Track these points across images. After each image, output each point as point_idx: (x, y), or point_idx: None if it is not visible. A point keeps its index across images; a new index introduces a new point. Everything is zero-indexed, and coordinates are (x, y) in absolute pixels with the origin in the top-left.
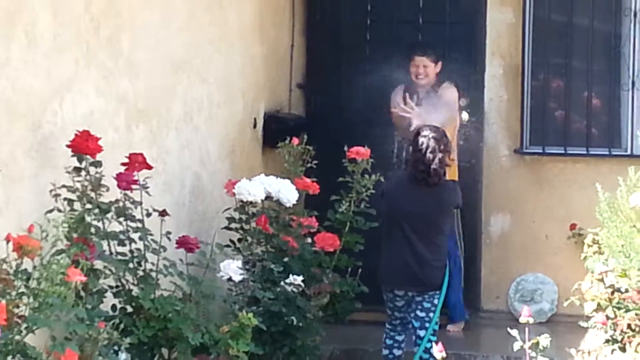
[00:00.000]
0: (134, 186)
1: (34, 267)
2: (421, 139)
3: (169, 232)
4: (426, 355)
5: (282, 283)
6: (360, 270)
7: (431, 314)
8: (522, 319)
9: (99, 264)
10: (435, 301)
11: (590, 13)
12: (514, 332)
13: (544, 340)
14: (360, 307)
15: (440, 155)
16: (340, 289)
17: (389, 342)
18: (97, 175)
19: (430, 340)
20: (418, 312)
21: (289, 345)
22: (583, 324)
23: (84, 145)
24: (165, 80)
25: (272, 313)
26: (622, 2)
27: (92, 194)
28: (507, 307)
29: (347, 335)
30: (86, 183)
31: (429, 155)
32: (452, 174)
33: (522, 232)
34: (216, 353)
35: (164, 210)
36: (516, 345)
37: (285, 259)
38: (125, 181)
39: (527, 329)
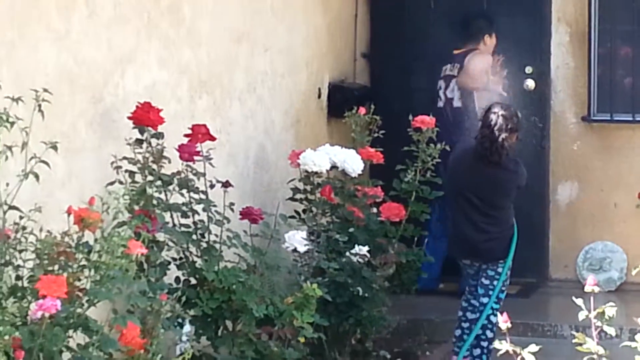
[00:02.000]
0: (197, 158)
1: (95, 240)
2: (491, 116)
3: (232, 204)
4: (487, 322)
5: (347, 254)
6: (426, 240)
7: (495, 282)
8: (587, 288)
9: (161, 237)
10: (499, 270)
11: None
12: (580, 301)
13: (610, 309)
14: (426, 277)
15: (505, 134)
16: (407, 258)
17: (464, 304)
18: (159, 147)
19: (493, 309)
20: (483, 280)
21: (354, 316)
22: None
23: (146, 117)
24: (228, 50)
25: (338, 284)
26: None
27: (154, 166)
28: (575, 276)
29: (413, 305)
30: (147, 155)
31: (495, 132)
32: None
33: (590, 200)
34: (281, 324)
35: (227, 182)
36: (581, 315)
37: (351, 230)
38: (187, 152)
39: (592, 298)
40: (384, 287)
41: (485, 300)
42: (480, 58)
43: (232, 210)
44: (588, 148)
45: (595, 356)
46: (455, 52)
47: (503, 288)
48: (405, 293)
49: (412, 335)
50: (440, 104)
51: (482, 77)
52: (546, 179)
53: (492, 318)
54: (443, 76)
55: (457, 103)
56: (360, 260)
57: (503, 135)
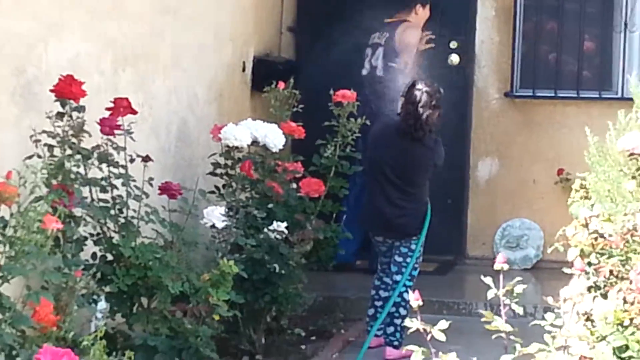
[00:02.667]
0: (117, 131)
1: (11, 215)
2: (415, 92)
3: (151, 178)
4: (400, 299)
5: (265, 230)
6: (345, 216)
7: (408, 259)
8: (496, 266)
9: (79, 212)
10: (413, 246)
11: None
12: (489, 280)
13: (519, 287)
14: (343, 253)
15: (429, 111)
16: (324, 235)
17: (376, 282)
18: (80, 121)
19: (406, 286)
20: (396, 257)
21: (270, 294)
22: (567, 270)
23: (68, 90)
24: (154, 23)
25: (255, 260)
26: None
27: (74, 140)
28: (492, 254)
29: (329, 283)
30: (67, 128)
31: (420, 109)
32: None
33: (510, 177)
34: (196, 302)
35: (147, 156)
36: (490, 293)
37: (270, 205)
38: (108, 126)
39: (501, 276)
40: (300, 264)
41: (398, 277)
42: (410, 31)
43: (151, 185)
44: (510, 124)
45: (503, 334)
46: (387, 20)
47: (416, 265)
48: (323, 270)
49: (328, 313)
50: (364, 72)
51: (410, 50)
52: (466, 156)
53: (405, 295)
54: (371, 44)
55: (380, 72)
56: (278, 236)
57: (427, 112)
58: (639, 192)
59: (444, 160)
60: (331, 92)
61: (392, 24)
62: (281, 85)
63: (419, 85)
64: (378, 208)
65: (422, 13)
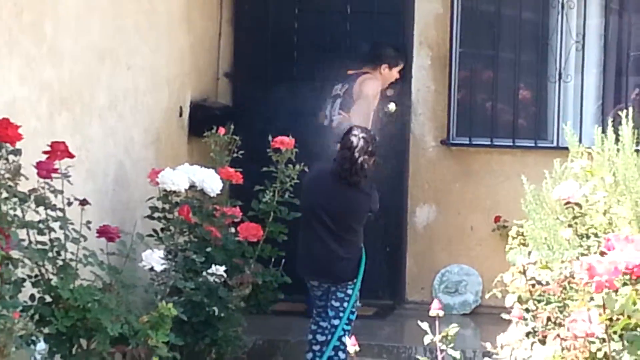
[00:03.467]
0: (54, 175)
1: None
2: (352, 138)
3: (89, 222)
4: (339, 343)
5: (204, 273)
6: (283, 260)
7: (345, 304)
8: (432, 312)
9: (16, 254)
10: (349, 291)
11: (518, 4)
12: (425, 325)
13: (452, 330)
14: (283, 297)
15: (365, 156)
16: (263, 279)
17: (313, 327)
18: (16, 164)
19: (344, 330)
20: (333, 302)
21: (210, 336)
22: (505, 316)
23: (3, 133)
24: (90, 67)
25: (194, 303)
26: None
27: (10, 183)
28: (431, 299)
29: (269, 326)
30: (3, 171)
31: (355, 154)
32: None
33: (448, 224)
34: (135, 344)
35: (85, 199)
36: (427, 339)
37: (208, 249)
38: (45, 169)
39: (437, 322)
40: (240, 307)
41: (336, 322)
42: (369, 83)
43: (89, 228)
44: (447, 171)
45: None
46: (349, 72)
47: (353, 310)
48: (262, 313)
49: (268, 356)
50: (326, 122)
51: (366, 101)
52: (404, 202)
53: (344, 339)
54: (332, 95)
55: (334, 122)
56: (216, 280)
57: (363, 158)
58: (575, 239)
59: (381, 207)
60: (270, 138)
61: (354, 75)
62: (222, 130)
63: (355, 131)
64: (314, 253)
65: (385, 73)
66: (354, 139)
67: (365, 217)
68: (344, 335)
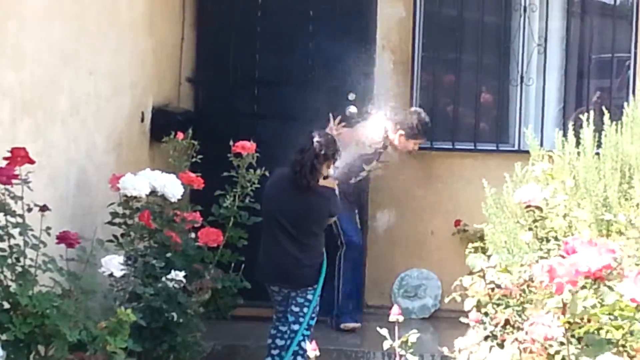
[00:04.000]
0: (15, 181)
1: None
2: (308, 142)
3: (49, 228)
4: (298, 348)
5: (163, 279)
6: (243, 265)
7: (305, 309)
8: (391, 317)
9: None
10: (309, 297)
11: (480, 8)
12: (384, 331)
13: (413, 337)
14: (242, 302)
15: (315, 160)
16: (223, 284)
17: (272, 332)
18: None
19: (303, 335)
20: (292, 307)
21: (168, 342)
22: (464, 320)
23: None
24: (53, 72)
25: (153, 309)
26: None
27: None
28: (391, 303)
29: (228, 331)
30: None
31: (306, 157)
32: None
33: (408, 228)
34: (94, 350)
35: (45, 205)
36: (386, 344)
37: (168, 255)
38: (5, 176)
39: (396, 327)
40: (199, 312)
41: (295, 327)
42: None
43: (49, 234)
44: (408, 175)
45: None
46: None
47: (313, 315)
48: (221, 319)
49: None
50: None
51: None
52: (365, 206)
53: (303, 344)
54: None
55: None
56: (176, 285)
57: (314, 161)
58: (535, 243)
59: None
60: (231, 143)
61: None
62: (180, 135)
63: (313, 135)
64: (274, 259)
65: (403, 141)
66: (308, 142)
67: (324, 221)
68: (304, 340)
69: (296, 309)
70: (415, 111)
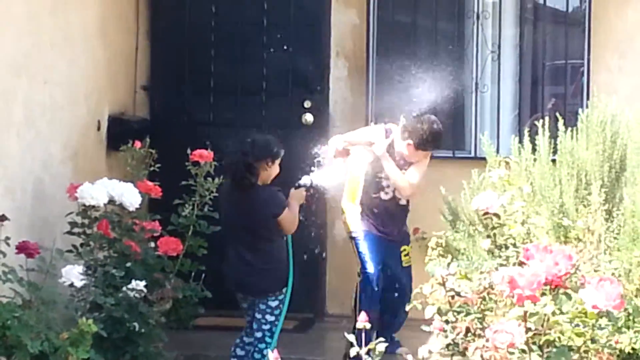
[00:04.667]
0: None
1: None
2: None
3: (8, 238)
4: (260, 356)
5: (124, 288)
6: (203, 274)
7: (267, 317)
8: (359, 325)
9: None
10: (272, 304)
11: (434, 14)
12: (352, 337)
13: (380, 345)
14: (203, 312)
15: (245, 157)
16: (184, 294)
17: (237, 341)
18: None
19: (265, 342)
20: (256, 314)
21: (130, 352)
22: (425, 328)
23: None
24: (5, 83)
25: (114, 319)
26: (465, 4)
27: None
28: (351, 312)
29: (190, 341)
30: None
31: (235, 157)
32: None
33: None
34: None
35: (3, 215)
36: (353, 351)
37: (128, 264)
38: None
39: (363, 334)
40: (160, 322)
41: (258, 335)
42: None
43: (8, 244)
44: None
45: None
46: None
47: (276, 323)
48: (183, 328)
49: None
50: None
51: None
52: (324, 214)
53: (265, 352)
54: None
55: None
56: (137, 295)
57: (246, 158)
58: (494, 250)
59: (300, 219)
60: (188, 151)
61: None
62: (138, 144)
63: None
64: (232, 266)
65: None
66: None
67: (269, 222)
68: (266, 347)
69: (258, 316)
70: (428, 119)
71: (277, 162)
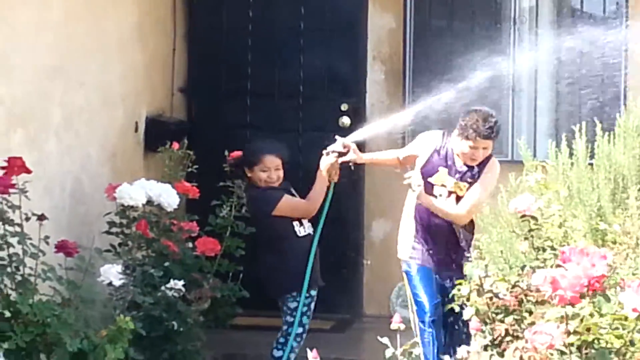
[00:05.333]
0: (12, 190)
1: None
2: None
3: (47, 237)
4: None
5: (162, 288)
6: (241, 275)
7: (288, 318)
8: (393, 326)
9: None
10: (291, 304)
11: (470, 18)
12: (386, 340)
13: (417, 350)
14: (241, 311)
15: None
16: (222, 293)
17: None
18: None
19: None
20: (282, 316)
21: (169, 351)
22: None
23: None
24: (42, 85)
25: (153, 318)
26: (502, 8)
27: None
28: (389, 312)
29: (228, 340)
30: None
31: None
32: None
33: None
34: (94, 358)
35: (43, 215)
36: (388, 352)
37: (166, 264)
38: (2, 185)
39: (398, 336)
40: (198, 321)
41: (277, 335)
42: None
43: (47, 243)
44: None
45: None
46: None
47: (304, 322)
48: (220, 328)
49: None
50: None
51: None
52: (361, 216)
53: (275, 353)
54: None
55: None
56: (175, 294)
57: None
58: (532, 252)
59: (338, 220)
60: (226, 152)
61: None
62: (175, 145)
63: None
64: (254, 266)
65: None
66: None
67: (265, 221)
68: (279, 350)
69: (284, 318)
70: (476, 110)
71: (258, 167)
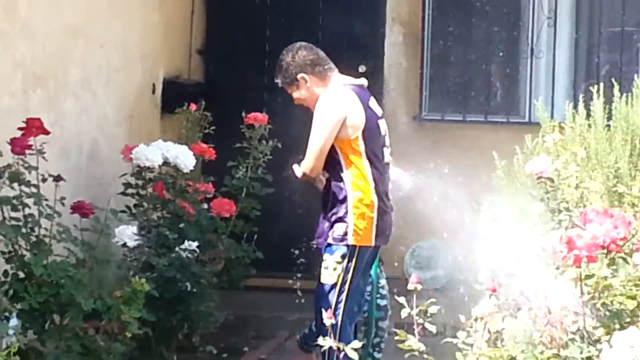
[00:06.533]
0: (29, 151)
1: None
2: None
3: (63, 198)
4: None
5: (177, 249)
6: (255, 236)
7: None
8: (410, 286)
9: None
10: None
11: None
12: (403, 300)
13: (433, 307)
14: (255, 273)
15: None
16: (236, 254)
17: None
18: None
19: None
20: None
21: (182, 312)
22: (478, 287)
23: None
24: (63, 44)
25: (167, 279)
26: None
27: None
28: (403, 274)
29: (241, 301)
30: None
31: None
32: None
33: (420, 199)
34: (108, 319)
35: (59, 176)
36: (404, 312)
37: (181, 225)
38: (19, 146)
39: (414, 296)
40: (212, 282)
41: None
42: None
43: (63, 204)
44: (419, 147)
45: (416, 353)
46: None
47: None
48: (234, 289)
49: (240, 331)
50: None
51: None
52: None
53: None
54: None
55: None
56: (189, 255)
57: None
58: (546, 214)
59: None
60: (243, 114)
61: None
62: (193, 107)
63: None
64: None
65: None
66: None
67: None
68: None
69: None
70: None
71: None
